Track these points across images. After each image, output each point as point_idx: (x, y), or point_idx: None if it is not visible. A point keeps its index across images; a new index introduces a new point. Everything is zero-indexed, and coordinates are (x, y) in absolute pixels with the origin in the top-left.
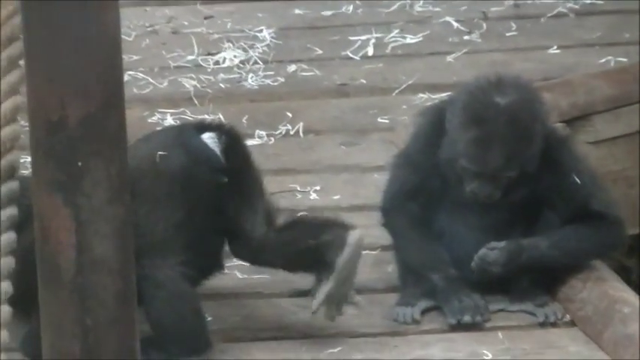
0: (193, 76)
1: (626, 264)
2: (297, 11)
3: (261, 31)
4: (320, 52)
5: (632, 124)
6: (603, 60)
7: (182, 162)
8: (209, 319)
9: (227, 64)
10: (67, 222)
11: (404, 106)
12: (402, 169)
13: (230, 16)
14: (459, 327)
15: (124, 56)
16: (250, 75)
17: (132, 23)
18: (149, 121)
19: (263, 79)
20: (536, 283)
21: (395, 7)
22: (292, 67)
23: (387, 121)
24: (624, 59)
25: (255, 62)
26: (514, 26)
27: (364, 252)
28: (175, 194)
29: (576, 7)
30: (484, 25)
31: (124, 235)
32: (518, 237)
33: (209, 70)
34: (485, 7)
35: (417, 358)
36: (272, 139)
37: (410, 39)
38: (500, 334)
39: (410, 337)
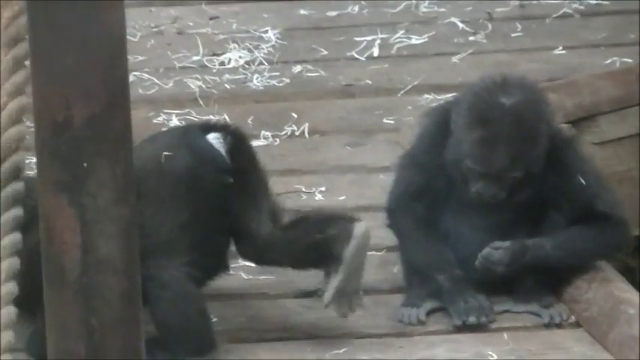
0: (199, 76)
1: (631, 265)
2: (302, 12)
3: (266, 31)
4: (325, 52)
5: (637, 124)
6: (609, 61)
7: (187, 162)
8: (214, 319)
9: (232, 64)
10: (72, 222)
11: (409, 107)
12: (408, 169)
13: (235, 16)
14: (465, 328)
15: (129, 57)
16: (256, 76)
17: (137, 24)
18: (154, 121)
19: (268, 80)
20: (541, 284)
21: (400, 7)
22: (298, 68)
23: (392, 121)
24: (629, 60)
25: (261, 63)
26: (519, 27)
27: (370, 253)
28: (181, 195)
29: (582, 7)
30: (489, 26)
31: (129, 235)
32: (524, 237)
33: (214, 70)
34: (491, 7)
35: (423, 358)
36: (277, 139)
37: (415, 40)
38: (505, 335)
39: (415, 338)
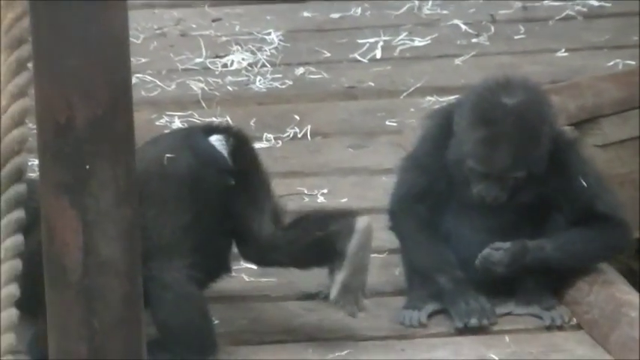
0: (201, 78)
1: (633, 267)
2: (305, 14)
3: (269, 33)
4: (328, 54)
5: (639, 127)
6: (611, 63)
7: (190, 164)
8: (216, 321)
9: (235, 66)
10: (74, 223)
11: (412, 109)
12: (410, 171)
13: (238, 18)
14: (466, 330)
15: (131, 59)
16: (258, 78)
17: (140, 25)
18: (157, 123)
19: (271, 82)
20: (542, 286)
21: (403, 9)
22: (300, 70)
23: (394, 123)
24: (632, 62)
25: (263, 65)
26: (522, 29)
27: (372, 255)
28: (183, 196)
29: (584, 9)
30: (492, 28)
31: (131, 237)
32: (525, 239)
33: (217, 72)
34: (494, 9)
35: None
36: (280, 141)
37: (418, 42)
38: (506, 337)
39: (417, 341)
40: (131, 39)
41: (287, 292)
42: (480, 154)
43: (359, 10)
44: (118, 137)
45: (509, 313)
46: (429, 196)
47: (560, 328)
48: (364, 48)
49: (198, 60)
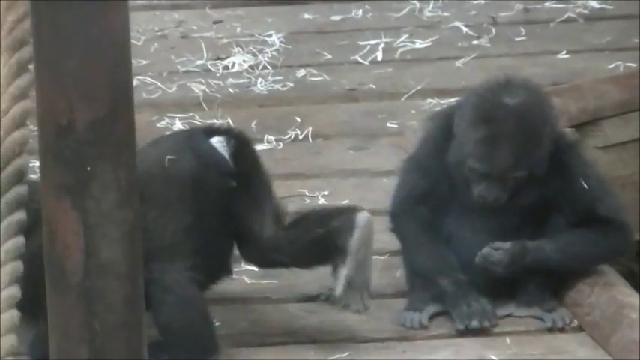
0: (202, 80)
1: (634, 269)
2: (306, 16)
3: (270, 35)
4: (329, 56)
5: None
6: (612, 65)
7: (191, 166)
8: (217, 323)
9: (236, 68)
10: (75, 225)
11: (413, 111)
12: (411, 173)
13: (239, 20)
14: (467, 332)
15: (133, 61)
16: (259, 80)
17: (141, 27)
18: (158, 125)
19: (272, 84)
20: (543, 287)
21: (404, 12)
22: (301, 72)
23: (395, 125)
24: (633, 64)
25: (265, 67)
26: (523, 31)
27: (373, 257)
28: (184, 198)
29: (585, 12)
30: (493, 30)
31: (132, 239)
32: (525, 240)
33: (218, 74)
34: (495, 12)
35: None
36: (281, 143)
37: (419, 44)
38: (507, 339)
39: (418, 342)
40: (132, 41)
41: (288, 293)
42: (481, 153)
43: (360, 12)
44: (119, 139)
45: (510, 315)
46: (430, 198)
47: (561, 329)
48: (365, 50)
49: (199, 62)
